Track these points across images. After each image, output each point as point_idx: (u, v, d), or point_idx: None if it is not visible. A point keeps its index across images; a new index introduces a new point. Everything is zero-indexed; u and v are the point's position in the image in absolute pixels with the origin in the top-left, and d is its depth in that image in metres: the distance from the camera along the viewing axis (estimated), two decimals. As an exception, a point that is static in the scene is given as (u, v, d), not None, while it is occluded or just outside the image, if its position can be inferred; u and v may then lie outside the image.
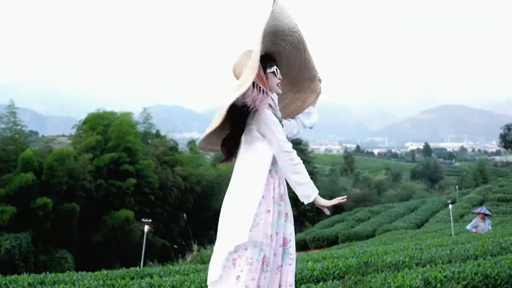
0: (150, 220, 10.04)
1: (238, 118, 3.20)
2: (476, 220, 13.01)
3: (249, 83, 2.94)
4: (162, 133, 37.33)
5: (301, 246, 22.86)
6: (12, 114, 26.80)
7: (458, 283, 5.27)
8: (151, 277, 6.68)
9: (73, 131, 32.36)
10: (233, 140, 3.26)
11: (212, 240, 23.98)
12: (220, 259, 3.05)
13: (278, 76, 3.28)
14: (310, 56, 3.40)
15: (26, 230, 22.82)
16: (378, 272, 6.40)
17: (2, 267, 18.47)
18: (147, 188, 28.63)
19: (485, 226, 12.74)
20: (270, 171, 3.16)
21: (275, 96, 3.27)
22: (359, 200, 47.97)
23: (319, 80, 3.67)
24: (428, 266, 6.53)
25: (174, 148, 35.64)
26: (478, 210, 13.53)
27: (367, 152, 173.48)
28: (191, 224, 24.46)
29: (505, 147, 54.68)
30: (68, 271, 7.47)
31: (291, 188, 3.25)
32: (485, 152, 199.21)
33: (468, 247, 7.97)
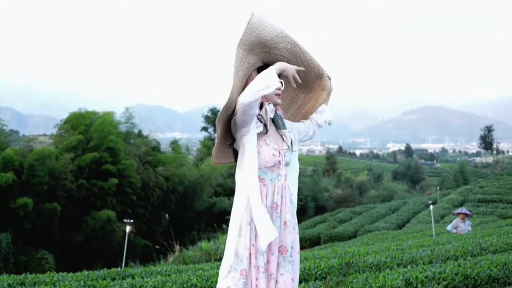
0: (132, 221, 10.01)
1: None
2: (457, 221, 13.14)
3: (230, 101, 3.01)
4: (145, 133, 37.17)
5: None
6: (-8, 113, 26.55)
7: (438, 284, 5.32)
8: (133, 277, 6.66)
9: (54, 131, 32.09)
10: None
11: (194, 241, 23.96)
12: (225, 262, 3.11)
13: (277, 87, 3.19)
14: (310, 56, 3.39)
15: (6, 230, 22.54)
16: (359, 273, 6.44)
17: (-18, 268, 18.29)
18: (129, 188, 28.48)
19: (465, 226, 12.88)
20: (262, 179, 3.17)
21: (270, 107, 3.22)
22: (341, 201, 48.20)
23: (329, 77, 3.65)
24: (409, 266, 6.59)
25: (156, 148, 35.50)
26: (458, 210, 13.68)
27: (349, 153, 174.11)
28: (173, 225, 24.34)
29: (485, 148, 55.39)
30: (48, 272, 7.42)
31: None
32: (466, 153, 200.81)
33: (449, 248, 8.05)
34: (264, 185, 3.17)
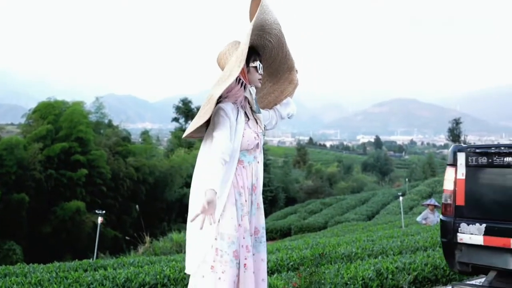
0: (103, 212, 9.95)
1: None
2: (426, 212, 13.34)
3: (236, 75, 3.05)
4: (115, 123, 36.87)
5: (254, 237, 22.97)
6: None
7: (409, 274, 5.42)
8: (105, 269, 6.64)
9: (23, 120, 31.66)
10: None
11: (164, 232, 23.88)
12: (199, 249, 3.11)
13: (259, 72, 3.31)
14: (288, 48, 3.44)
15: (-28, 221, 22.24)
16: (331, 264, 6.52)
17: None
18: (99, 179, 28.25)
19: (434, 218, 13.07)
20: (241, 161, 3.21)
21: (253, 90, 3.31)
22: (312, 192, 48.47)
23: (296, 71, 3.68)
24: (380, 257, 6.69)
25: (126, 138, 35.29)
26: (427, 202, 13.89)
27: (320, 145, 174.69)
28: (144, 216, 24.24)
29: (453, 140, 56.08)
30: (18, 263, 7.35)
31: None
32: (434, 145, 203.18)
33: (418, 239, 8.19)
34: (243, 167, 3.23)
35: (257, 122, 3.35)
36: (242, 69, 3.16)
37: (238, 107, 3.23)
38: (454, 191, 4.21)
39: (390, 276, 5.29)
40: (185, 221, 3.39)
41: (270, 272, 6.18)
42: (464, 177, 4.14)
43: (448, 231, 4.16)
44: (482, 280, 4.31)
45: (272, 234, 23.52)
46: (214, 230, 3.06)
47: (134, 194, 30.28)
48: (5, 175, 24.28)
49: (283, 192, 46.63)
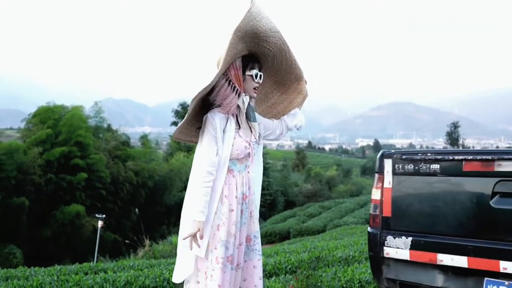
0: (104, 216, 10.01)
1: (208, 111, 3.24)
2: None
3: (213, 81, 3.07)
4: (114, 127, 36.88)
5: (253, 241, 22.97)
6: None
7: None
8: (105, 272, 6.69)
9: (22, 125, 31.67)
10: None
11: (164, 235, 23.91)
12: (190, 257, 3.16)
13: (256, 80, 3.29)
14: (294, 57, 3.39)
15: (-28, 225, 22.26)
16: (329, 267, 6.58)
17: None
18: (98, 183, 28.28)
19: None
20: (231, 170, 3.24)
21: (247, 98, 3.27)
22: (311, 196, 48.43)
23: (305, 81, 3.65)
24: (376, 260, 6.74)
25: (125, 142, 35.29)
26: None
27: (319, 148, 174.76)
28: (143, 219, 24.23)
29: (451, 144, 55.97)
30: (20, 267, 7.40)
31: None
32: (433, 149, 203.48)
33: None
34: (233, 176, 3.24)
35: (251, 131, 3.35)
36: (238, 76, 3.20)
37: (228, 116, 3.22)
38: (381, 201, 3.93)
39: (386, 278, 5.35)
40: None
41: (268, 275, 6.25)
42: (390, 186, 3.86)
43: (374, 244, 3.87)
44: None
45: (271, 238, 23.53)
46: (204, 242, 3.11)
47: (133, 198, 30.30)
48: (5, 179, 24.30)
49: (282, 196, 46.62)
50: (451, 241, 3.41)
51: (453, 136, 57.22)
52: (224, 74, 3.19)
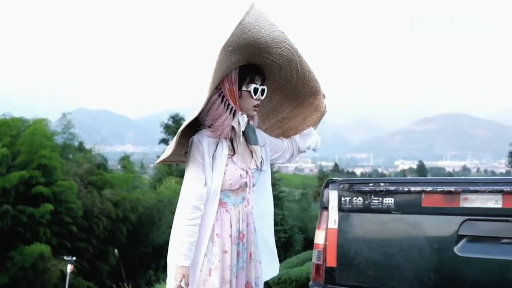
0: (73, 258, 10.08)
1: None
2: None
3: (201, 107, 3.11)
4: (87, 145, 36.95)
5: (264, 290, 22.91)
6: None
7: None
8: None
9: (-29, 143, 31.86)
10: None
11: (151, 283, 23.92)
12: None
13: (256, 97, 3.29)
14: (308, 68, 3.41)
15: None
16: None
17: None
18: (67, 217, 28.23)
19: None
20: (224, 204, 3.27)
21: (243, 118, 3.26)
22: (337, 232, 48.24)
23: (323, 95, 3.65)
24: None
25: (102, 165, 35.34)
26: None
27: (348, 172, 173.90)
28: (124, 263, 24.29)
29: (518, 168, 55.17)
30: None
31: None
32: (493, 173, 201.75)
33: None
34: (226, 210, 3.26)
35: (252, 155, 3.36)
36: (233, 92, 3.23)
37: (218, 140, 3.24)
38: (325, 246, 3.70)
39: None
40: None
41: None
42: (336, 226, 3.66)
43: None
44: None
45: (286, 286, 23.43)
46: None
47: (112, 236, 30.30)
48: None
49: (300, 233, 46.31)
50: None
51: (519, 157, 56.54)
52: (217, 88, 3.20)
